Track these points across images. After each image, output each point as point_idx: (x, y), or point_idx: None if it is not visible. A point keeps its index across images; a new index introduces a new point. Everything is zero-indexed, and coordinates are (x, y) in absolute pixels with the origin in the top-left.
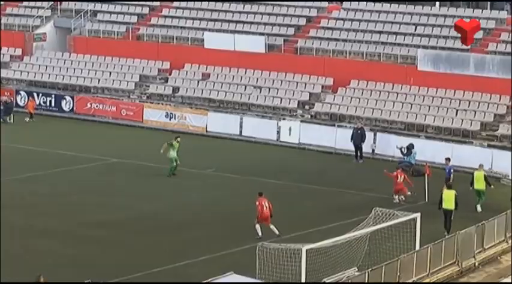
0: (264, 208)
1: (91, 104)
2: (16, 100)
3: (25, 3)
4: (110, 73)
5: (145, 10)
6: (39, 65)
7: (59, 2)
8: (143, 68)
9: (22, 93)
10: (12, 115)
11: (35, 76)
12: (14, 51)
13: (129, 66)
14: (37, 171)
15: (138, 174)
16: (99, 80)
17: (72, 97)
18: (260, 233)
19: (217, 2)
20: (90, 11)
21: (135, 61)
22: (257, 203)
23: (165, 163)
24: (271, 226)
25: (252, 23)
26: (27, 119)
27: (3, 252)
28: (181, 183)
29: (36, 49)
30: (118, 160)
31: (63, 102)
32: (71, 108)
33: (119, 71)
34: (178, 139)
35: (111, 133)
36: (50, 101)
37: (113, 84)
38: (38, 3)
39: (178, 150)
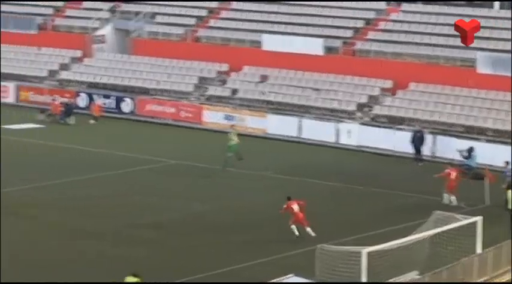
0: (295, 210)
1: (151, 106)
2: (76, 102)
3: (85, 5)
4: (169, 75)
5: (204, 12)
6: (99, 67)
7: (118, 4)
8: (202, 69)
9: (82, 94)
10: (73, 116)
11: (94, 78)
12: (74, 53)
13: (187, 68)
14: (97, 173)
15: (196, 176)
16: (158, 82)
17: (132, 99)
18: (297, 233)
19: (275, 4)
20: (149, 13)
21: (194, 63)
22: (285, 206)
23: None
24: (308, 229)
25: (309, 25)
26: (92, 121)
27: (54, 253)
28: (240, 185)
29: (96, 51)
30: (177, 162)
31: (123, 104)
32: (130, 109)
33: (178, 72)
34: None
35: (170, 135)
36: (110, 103)
37: (172, 86)
38: (98, 5)
39: (234, 140)
